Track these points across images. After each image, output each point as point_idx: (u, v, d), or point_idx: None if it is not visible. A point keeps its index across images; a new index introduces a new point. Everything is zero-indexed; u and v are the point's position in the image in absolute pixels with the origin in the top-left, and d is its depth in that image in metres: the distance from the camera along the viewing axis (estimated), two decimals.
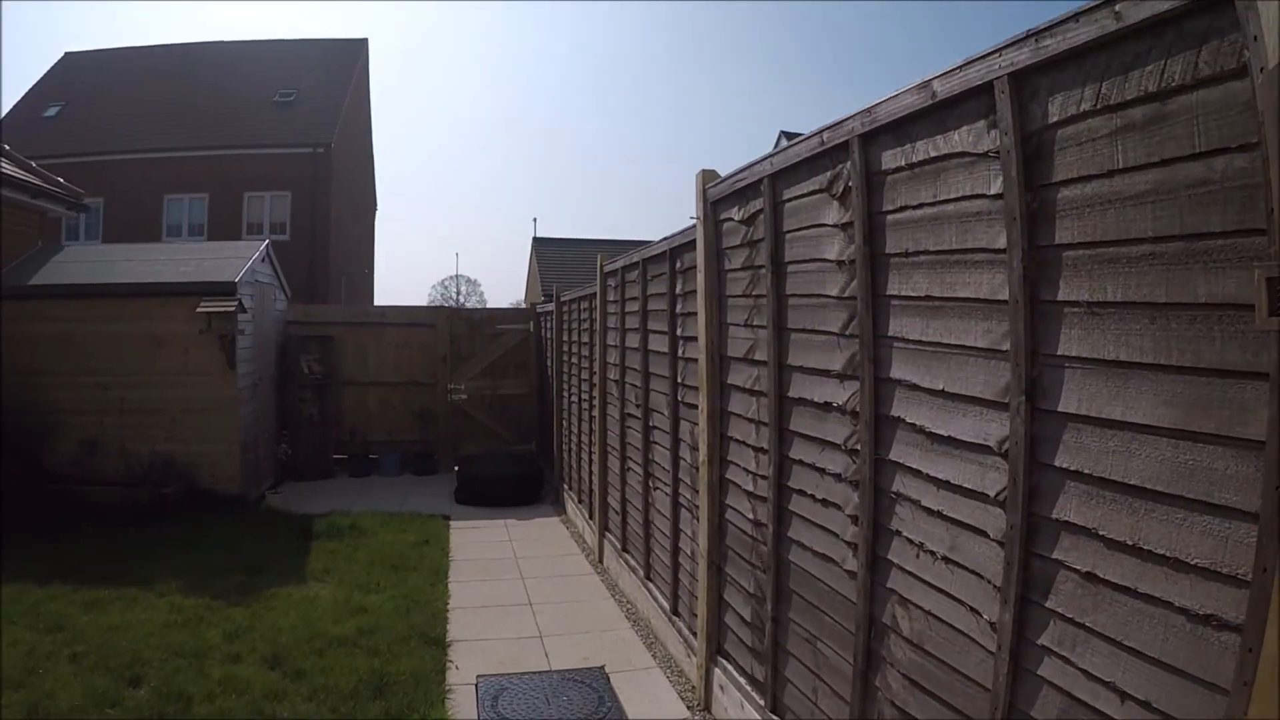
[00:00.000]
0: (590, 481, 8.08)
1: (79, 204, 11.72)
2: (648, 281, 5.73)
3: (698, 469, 4.49)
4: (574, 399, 9.09)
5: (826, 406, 3.03)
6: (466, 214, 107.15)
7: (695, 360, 4.50)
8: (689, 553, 4.89)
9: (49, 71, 26.63)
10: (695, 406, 4.53)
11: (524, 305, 28.15)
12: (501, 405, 12.40)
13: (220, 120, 22.81)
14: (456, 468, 10.99)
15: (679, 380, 4.96)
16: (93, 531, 7.94)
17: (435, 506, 9.62)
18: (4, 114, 24.09)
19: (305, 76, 24.72)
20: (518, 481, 10.12)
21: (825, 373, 3.04)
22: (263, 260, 10.27)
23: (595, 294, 7.55)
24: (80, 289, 9.41)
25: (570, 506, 9.28)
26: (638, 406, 6.00)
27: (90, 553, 7.34)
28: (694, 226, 4.48)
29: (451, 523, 8.98)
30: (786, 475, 3.38)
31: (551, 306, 10.51)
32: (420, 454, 11.92)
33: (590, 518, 8.05)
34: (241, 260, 9.69)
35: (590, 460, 8.06)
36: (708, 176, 4.30)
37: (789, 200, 3.32)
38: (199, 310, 8.81)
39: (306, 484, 10.81)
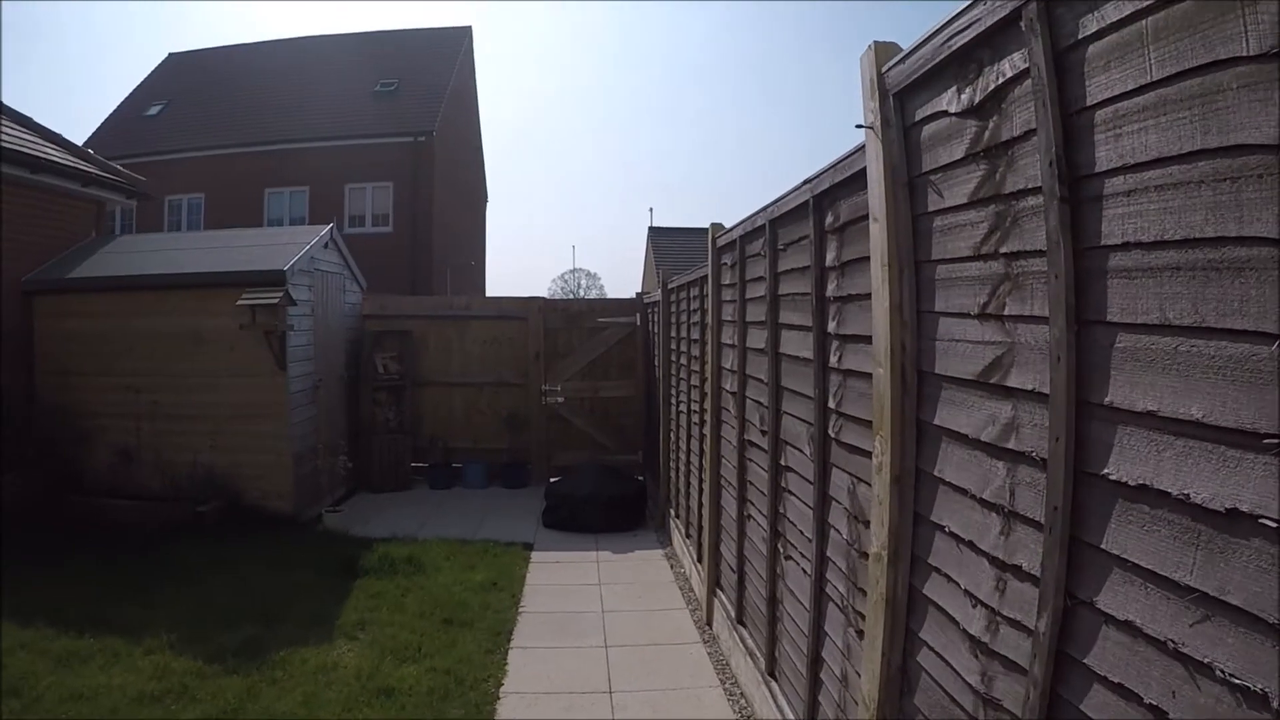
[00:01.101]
0: (699, 515, 6.35)
1: (139, 193, 10.86)
2: (777, 253, 3.92)
3: (864, 558, 2.69)
4: (682, 408, 7.34)
5: (1232, 516, 1.21)
6: (583, 206, 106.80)
7: (864, 377, 2.69)
8: (839, 675, 3.08)
9: (152, 73, 27.08)
10: (863, 454, 2.72)
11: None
12: (603, 409, 10.78)
13: (320, 112, 22.52)
14: (551, 480, 9.49)
15: (831, 404, 3.12)
16: (106, 555, 6.79)
17: (517, 531, 8.12)
18: (108, 115, 24.66)
19: (406, 66, 23.99)
20: (616, 503, 8.46)
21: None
22: (325, 246, 8.97)
23: (706, 275, 5.79)
24: (115, 281, 8.40)
25: (676, 539, 7.55)
26: (763, 433, 4.22)
27: (92, 583, 6.20)
28: (858, 149, 2.67)
29: (533, 555, 7.43)
30: (1082, 641, 1.57)
31: (659, 295, 8.82)
32: (509, 464, 10.40)
33: (698, 560, 6.33)
34: (296, 246, 8.39)
35: (699, 489, 6.33)
36: (883, 52, 2.44)
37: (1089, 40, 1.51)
38: (239, 303, 7.51)
39: (379, 497, 9.52)
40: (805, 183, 3.36)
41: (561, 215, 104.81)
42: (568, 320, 10.83)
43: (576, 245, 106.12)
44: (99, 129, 24.58)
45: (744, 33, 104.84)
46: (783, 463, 3.86)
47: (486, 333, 10.66)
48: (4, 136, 9.14)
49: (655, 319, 9.34)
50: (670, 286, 8.07)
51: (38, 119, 9.83)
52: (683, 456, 7.31)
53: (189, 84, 25.20)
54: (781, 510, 3.91)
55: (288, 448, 7.93)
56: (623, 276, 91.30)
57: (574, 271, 57.20)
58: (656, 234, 28.81)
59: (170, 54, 27.84)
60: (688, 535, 7.00)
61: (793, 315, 3.63)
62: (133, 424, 8.23)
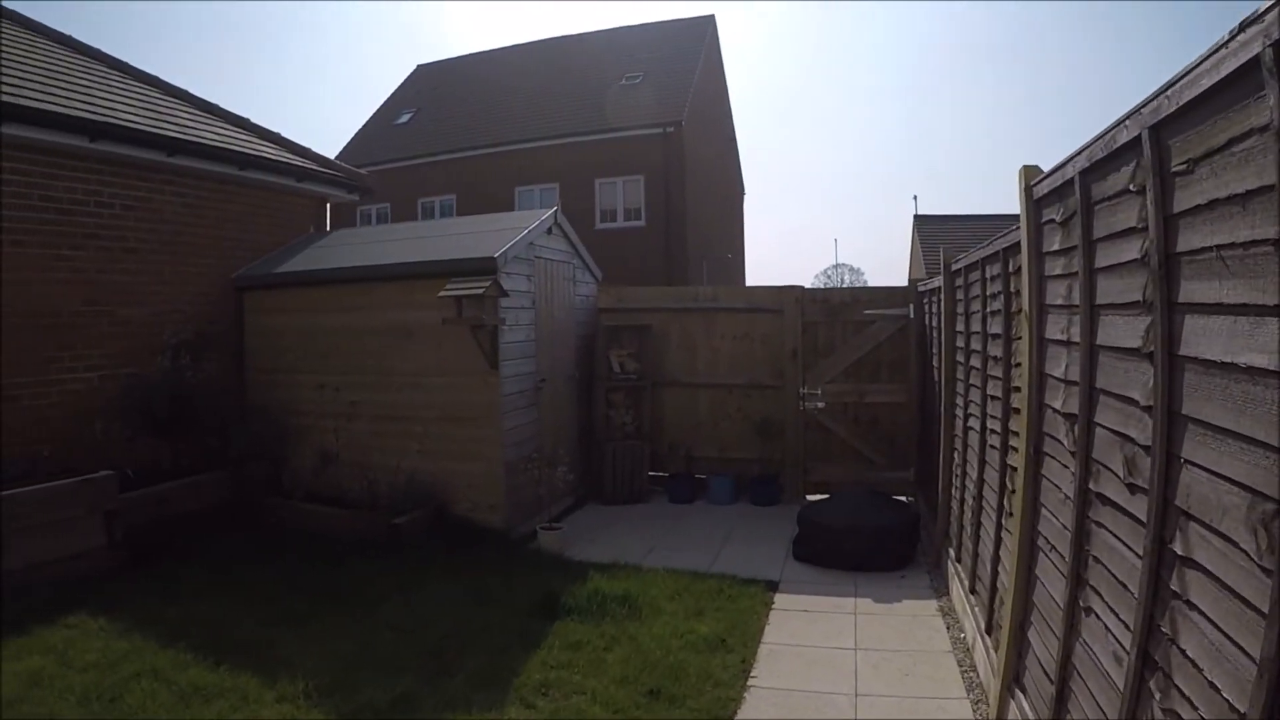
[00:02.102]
0: (992, 574, 4.63)
1: (361, 188, 10.79)
2: (1171, 181, 2.20)
3: None
4: (973, 424, 5.54)
5: None
6: (843, 197, 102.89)
7: None
8: None
9: (402, 84, 28.78)
10: None
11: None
12: (869, 417, 9.06)
13: (567, 109, 22.62)
14: (807, 501, 8.03)
15: None
16: (287, 567, 6.27)
17: (760, 563, 6.75)
18: (361, 126, 26.62)
19: (651, 58, 23.70)
20: (883, 536, 6.73)
21: None
22: (548, 232, 8.08)
23: (1017, 243, 4.06)
24: (318, 275, 8.07)
25: (955, 590, 5.79)
26: (1133, 490, 2.51)
27: (259, 600, 5.60)
28: None
29: (775, 598, 6.01)
30: None
31: (938, 281, 7.07)
32: (760, 477, 8.98)
33: (986, 631, 4.65)
34: (512, 232, 7.53)
35: (995, 540, 4.60)
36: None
37: None
38: (441, 294, 6.76)
39: (609, 510, 8.56)
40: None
41: (821, 209, 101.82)
42: (829, 313, 9.20)
43: (838, 239, 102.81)
44: (352, 140, 26.70)
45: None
46: (1178, 549, 2.16)
47: (736, 327, 9.31)
48: (216, 136, 9.28)
49: (933, 310, 7.55)
50: (954, 268, 6.30)
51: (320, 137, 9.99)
52: (970, 488, 5.53)
53: (437, 92, 26.54)
54: (1168, 630, 2.21)
55: (499, 455, 7.09)
56: (887, 271, 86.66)
57: (836, 267, 54.95)
58: (922, 222, 26.49)
59: (419, 65, 29.42)
60: (971, 590, 5.27)
61: (1222, 288, 1.95)
62: (335, 425, 7.83)
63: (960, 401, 6.02)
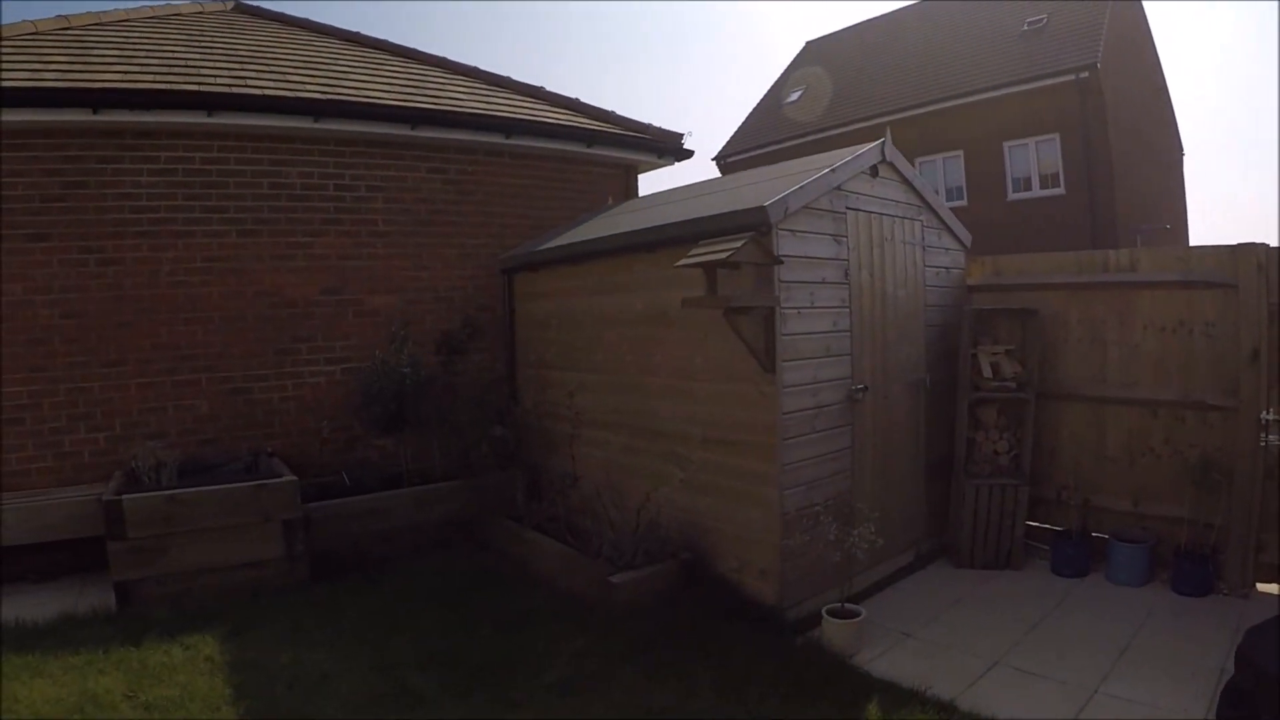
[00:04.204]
0: None
1: (672, 150, 9.30)
2: None
3: None
4: None
5: None
6: None
7: None
8: None
9: (791, 62, 27.61)
10: None
11: None
12: None
13: (965, 66, 19.76)
14: (1252, 630, 4.67)
15: None
16: (450, 619, 5.18)
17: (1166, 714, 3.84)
18: (752, 108, 26.23)
19: None
20: None
21: None
22: (871, 173, 5.55)
23: None
24: (573, 250, 6.63)
25: None
26: None
27: (382, 663, 4.58)
28: None
29: None
30: None
31: None
32: (1189, 549, 5.48)
33: None
34: (805, 174, 5.19)
35: None
36: None
37: None
38: (680, 264, 4.73)
39: (961, 579, 5.80)
40: None
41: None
42: None
43: None
44: (744, 122, 26.24)
45: None
46: None
47: (1166, 312, 5.83)
48: (483, 104, 8.55)
49: None
50: None
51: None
52: None
53: (826, 66, 24.93)
54: None
55: (775, 499, 4.83)
56: None
57: None
58: None
59: (807, 42, 28.23)
60: None
61: None
62: (590, 435, 6.35)
63: None
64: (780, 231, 4.78)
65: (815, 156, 6.10)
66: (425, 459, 7.21)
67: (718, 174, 22.44)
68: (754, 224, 4.69)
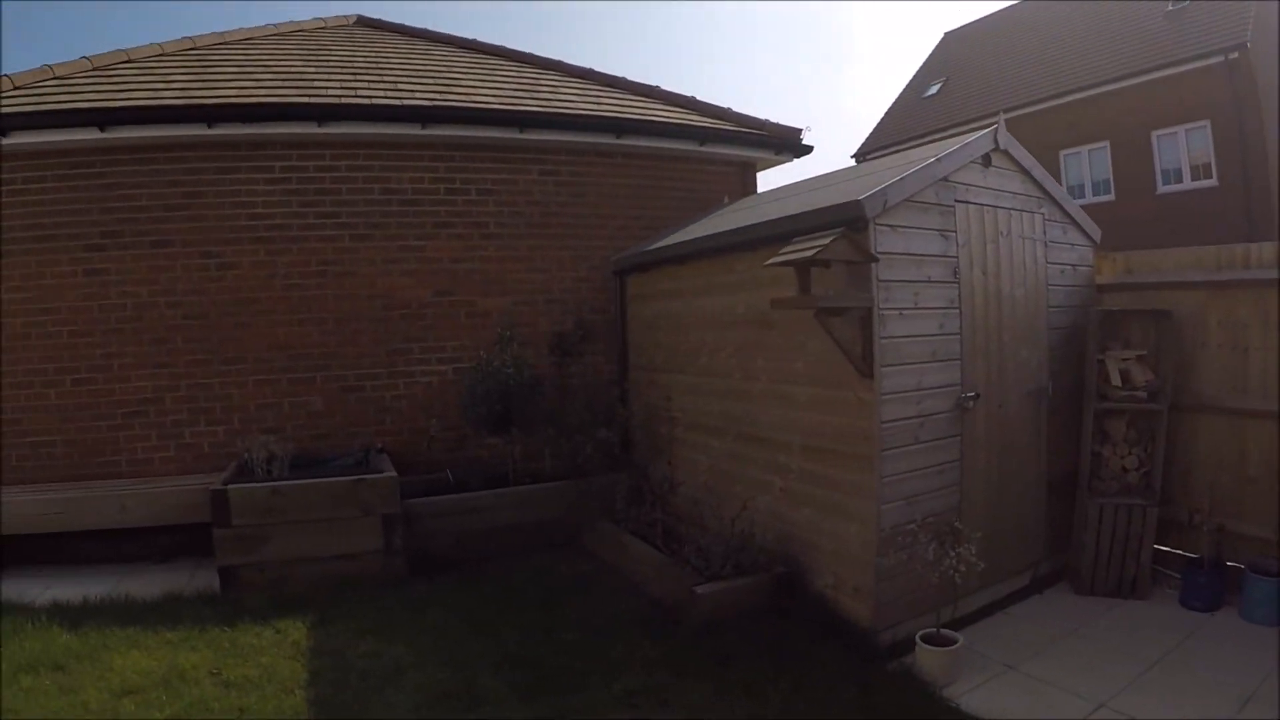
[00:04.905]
0: None
1: (792, 145, 9.04)
2: None
3: None
4: None
5: None
6: None
7: None
8: None
9: (930, 54, 27.02)
10: None
11: None
12: None
13: (1108, 51, 18.79)
14: None
15: None
16: (526, 620, 5.18)
17: None
18: (891, 103, 26.05)
19: None
20: None
21: None
22: (983, 163, 5.16)
23: None
24: (680, 250, 6.55)
25: None
26: None
27: (443, 660, 4.66)
28: None
29: None
30: None
31: None
32: None
33: None
34: (908, 166, 4.86)
35: None
36: None
37: None
38: (769, 263, 4.53)
39: (1079, 607, 5.27)
40: None
41: None
42: None
43: None
44: (883, 118, 25.94)
45: None
46: None
47: None
48: (594, 105, 8.60)
49: None
50: None
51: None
52: None
53: (965, 57, 24.42)
54: None
55: (873, 513, 4.52)
56: None
57: None
58: None
59: (945, 33, 27.51)
60: None
61: None
62: (693, 439, 6.31)
63: None
64: (879, 227, 4.48)
65: (925, 147, 5.76)
66: (536, 459, 7.28)
67: None
68: (848, 219, 4.42)
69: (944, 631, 4.37)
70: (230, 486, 5.89)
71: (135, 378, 7.02)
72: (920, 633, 4.39)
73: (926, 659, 4.27)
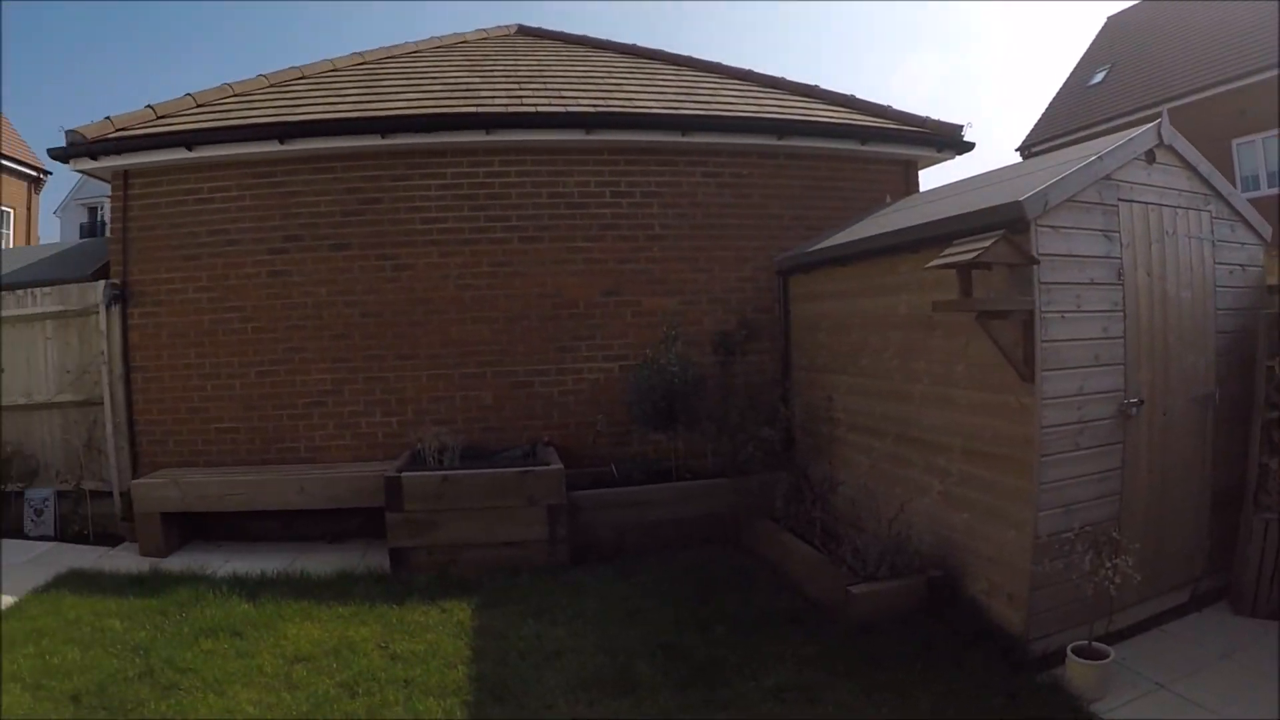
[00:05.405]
0: None
1: (953, 142, 8.96)
2: None
3: None
4: None
5: None
6: None
7: None
8: None
9: (1093, 40, 25.69)
10: None
11: None
12: None
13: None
14: None
15: None
16: (674, 614, 5.31)
17: None
18: (1055, 93, 24.79)
19: None
20: None
21: None
22: (1146, 159, 5.01)
23: None
24: (841, 250, 6.63)
25: None
26: None
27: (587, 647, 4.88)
28: None
29: None
30: None
31: None
32: None
33: None
34: (1072, 163, 4.77)
35: None
36: None
37: None
38: (930, 265, 4.64)
39: (1240, 628, 5.00)
40: None
41: None
42: None
43: None
44: (1046, 109, 24.64)
45: None
46: None
47: None
48: (754, 107, 8.68)
49: None
50: None
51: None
52: None
53: (1130, 42, 23.08)
54: None
55: (1030, 519, 4.48)
56: None
57: None
58: None
59: (1108, 18, 26.23)
60: None
61: None
62: (854, 440, 6.39)
63: None
64: (1040, 228, 4.45)
65: (1085, 144, 5.65)
66: (698, 456, 7.46)
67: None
68: (1009, 220, 4.42)
69: (1095, 645, 4.29)
70: (404, 474, 6.33)
71: (315, 371, 7.65)
72: (1071, 645, 4.33)
73: (1076, 672, 4.21)
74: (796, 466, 7.04)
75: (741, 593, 5.61)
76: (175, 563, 6.70)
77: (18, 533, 7.64)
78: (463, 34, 11.13)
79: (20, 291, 8.12)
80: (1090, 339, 4.72)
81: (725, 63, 10.22)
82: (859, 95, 9.35)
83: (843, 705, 4.04)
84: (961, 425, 5.14)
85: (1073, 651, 4.27)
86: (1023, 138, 23.83)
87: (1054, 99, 24.50)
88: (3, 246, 20.88)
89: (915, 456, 5.62)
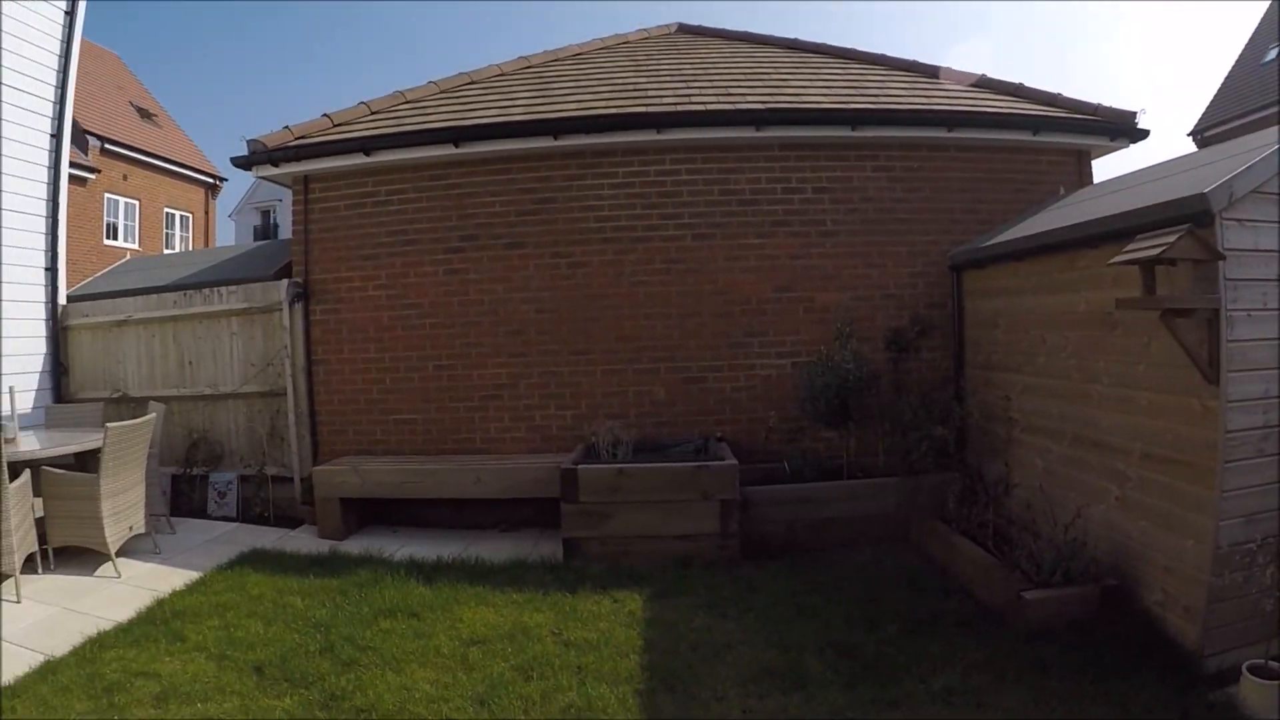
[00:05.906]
0: None
1: (1127, 130, 8.72)
2: None
3: None
4: None
5: None
6: None
7: None
8: None
9: (1264, 15, 23.70)
10: None
11: None
12: None
13: None
14: None
15: None
16: (825, 620, 5.38)
17: None
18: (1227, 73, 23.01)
19: None
20: None
21: None
22: None
23: None
24: (1015, 245, 6.70)
25: None
26: None
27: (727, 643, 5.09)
28: None
29: None
30: None
31: None
32: None
33: None
34: (1255, 152, 4.71)
35: None
36: None
37: None
38: (1111, 262, 4.72)
39: None
40: None
41: None
42: None
43: None
44: (1220, 88, 23.01)
45: None
46: None
47: None
48: (916, 100, 8.77)
49: None
50: None
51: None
52: None
53: None
54: None
55: (1210, 529, 4.45)
56: None
57: None
58: None
59: None
60: None
61: None
62: (1030, 441, 6.48)
63: None
64: (1225, 221, 4.41)
65: (1266, 131, 5.58)
66: (869, 454, 7.63)
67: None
68: (1193, 214, 4.41)
69: (1273, 664, 4.20)
70: (580, 466, 6.79)
71: (491, 365, 8.32)
72: (1247, 663, 4.24)
73: (1251, 691, 4.12)
74: (968, 467, 7.12)
75: (910, 593, 5.73)
76: (353, 545, 7.33)
77: (201, 513, 8.69)
78: (624, 34, 11.67)
79: (207, 290, 9.21)
80: (1278, 339, 4.62)
81: (889, 54, 10.32)
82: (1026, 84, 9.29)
83: (1010, 712, 4.09)
84: (1141, 428, 5.12)
85: (1248, 670, 4.19)
86: (1193, 122, 22.60)
87: (1226, 79, 22.76)
88: (186, 249, 23.08)
89: (1092, 459, 5.62)
